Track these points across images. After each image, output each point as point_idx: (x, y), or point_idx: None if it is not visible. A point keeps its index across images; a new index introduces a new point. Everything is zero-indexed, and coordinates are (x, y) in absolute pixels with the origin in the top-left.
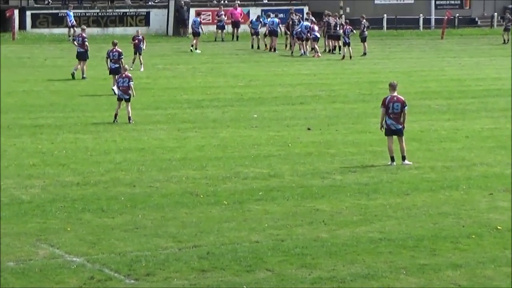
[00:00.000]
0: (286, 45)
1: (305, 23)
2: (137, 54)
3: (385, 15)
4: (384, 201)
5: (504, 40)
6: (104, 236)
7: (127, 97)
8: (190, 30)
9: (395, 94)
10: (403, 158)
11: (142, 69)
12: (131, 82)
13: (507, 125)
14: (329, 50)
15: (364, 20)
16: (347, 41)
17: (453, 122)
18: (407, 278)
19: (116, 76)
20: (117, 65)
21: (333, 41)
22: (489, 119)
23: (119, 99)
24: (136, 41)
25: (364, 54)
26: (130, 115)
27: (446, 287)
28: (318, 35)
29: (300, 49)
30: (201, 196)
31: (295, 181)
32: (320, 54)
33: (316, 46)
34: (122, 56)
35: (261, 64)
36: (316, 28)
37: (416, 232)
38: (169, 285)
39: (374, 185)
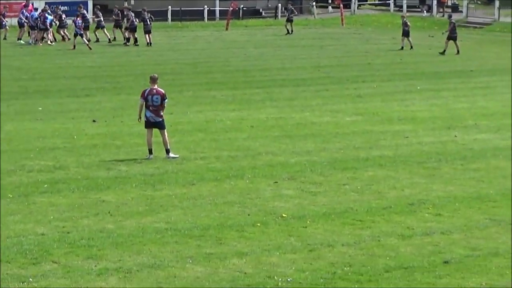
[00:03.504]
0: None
1: (49, 16)
2: None
3: (169, 7)
4: (170, 192)
5: (288, 31)
6: None
7: None
8: None
9: (155, 87)
10: (167, 151)
11: None
12: None
13: (292, 115)
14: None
15: (146, 12)
16: (79, 33)
17: (239, 112)
18: (193, 267)
19: None
20: None
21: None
22: (274, 109)
23: None
24: None
25: (149, 44)
26: None
27: (232, 274)
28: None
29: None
30: None
31: (80, 172)
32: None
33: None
34: None
35: (45, 57)
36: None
37: (202, 222)
38: None
39: (160, 175)
